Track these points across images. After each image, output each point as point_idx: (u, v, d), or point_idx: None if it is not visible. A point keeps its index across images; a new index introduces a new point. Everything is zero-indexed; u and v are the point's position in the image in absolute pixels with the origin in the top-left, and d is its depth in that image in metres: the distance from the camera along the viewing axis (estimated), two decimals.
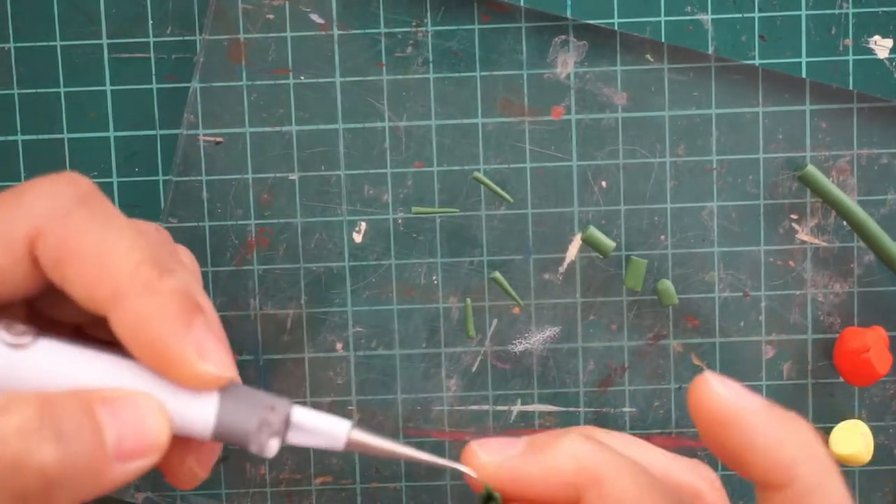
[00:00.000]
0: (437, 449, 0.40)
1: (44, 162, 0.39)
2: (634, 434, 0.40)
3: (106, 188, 0.40)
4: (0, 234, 0.27)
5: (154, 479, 0.40)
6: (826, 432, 0.40)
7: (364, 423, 0.40)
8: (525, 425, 0.40)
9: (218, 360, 0.27)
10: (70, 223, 0.27)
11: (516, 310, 0.40)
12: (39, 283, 0.28)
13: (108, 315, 0.27)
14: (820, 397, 0.40)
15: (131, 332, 0.27)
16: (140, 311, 0.27)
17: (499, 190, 0.36)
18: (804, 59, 0.38)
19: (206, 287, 0.40)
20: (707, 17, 0.38)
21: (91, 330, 0.31)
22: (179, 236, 0.39)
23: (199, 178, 0.39)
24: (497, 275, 0.39)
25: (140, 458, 0.27)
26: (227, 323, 0.40)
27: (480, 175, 0.36)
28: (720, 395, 0.26)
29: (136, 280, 0.27)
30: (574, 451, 0.27)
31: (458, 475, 0.40)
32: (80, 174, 0.29)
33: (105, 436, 0.26)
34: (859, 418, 0.40)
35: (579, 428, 0.31)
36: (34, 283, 0.28)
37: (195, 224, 0.39)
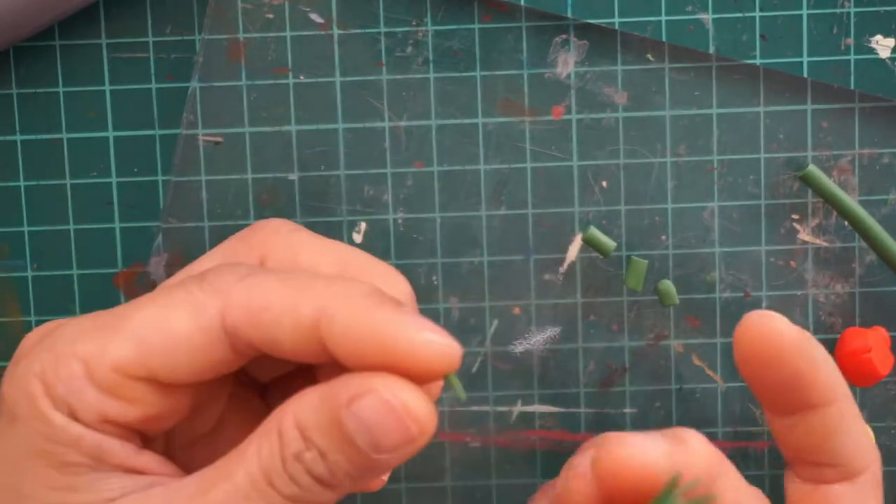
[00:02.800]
0: (437, 450, 0.40)
1: (43, 162, 0.39)
2: None
3: (105, 188, 0.40)
4: (195, 310, 0.28)
5: None
6: None
7: None
8: (525, 426, 0.40)
9: (438, 331, 0.27)
10: (250, 283, 0.28)
11: (516, 310, 0.40)
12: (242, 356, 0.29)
13: (322, 334, 0.27)
14: None
15: (343, 336, 0.27)
16: (347, 313, 0.27)
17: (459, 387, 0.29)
18: (805, 59, 0.38)
19: None
20: (708, 17, 0.38)
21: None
22: (179, 236, 0.39)
23: (198, 178, 0.39)
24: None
25: (406, 448, 0.27)
26: None
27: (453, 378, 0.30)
28: (787, 327, 0.29)
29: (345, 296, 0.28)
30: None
31: (458, 476, 0.40)
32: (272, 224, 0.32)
33: (356, 442, 0.27)
34: None
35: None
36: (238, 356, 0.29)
37: (195, 224, 0.39)
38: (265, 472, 0.27)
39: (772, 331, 0.29)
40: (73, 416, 0.28)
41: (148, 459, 0.29)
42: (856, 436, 0.30)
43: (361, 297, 0.27)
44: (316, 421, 0.27)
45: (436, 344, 0.27)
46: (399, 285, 0.32)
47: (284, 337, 0.28)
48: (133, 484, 0.28)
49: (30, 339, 0.30)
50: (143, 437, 0.29)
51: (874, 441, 0.31)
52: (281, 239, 0.32)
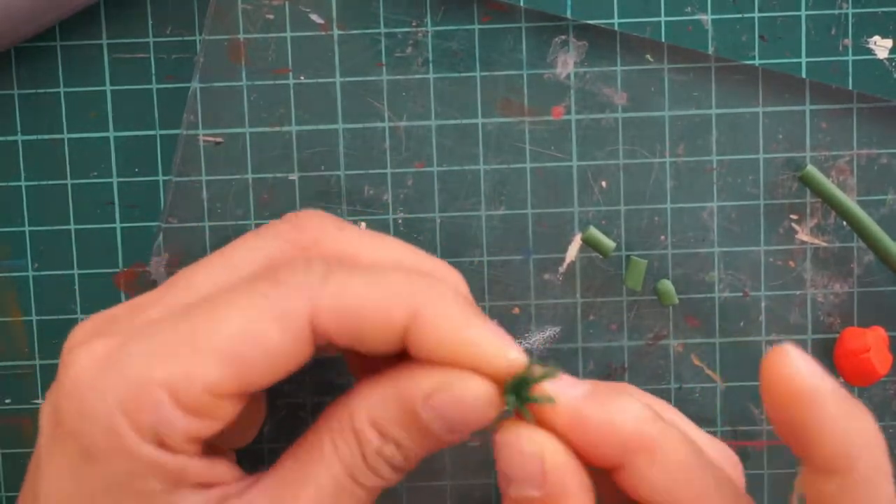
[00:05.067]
0: None
1: (44, 162, 0.39)
2: None
3: (106, 188, 0.40)
4: (283, 318, 0.28)
5: None
6: None
7: None
8: None
9: (509, 341, 0.29)
10: (337, 284, 0.29)
11: (516, 310, 0.40)
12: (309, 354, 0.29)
13: (410, 336, 0.28)
14: None
15: (432, 342, 0.28)
16: (439, 321, 0.28)
17: None
18: (804, 60, 0.39)
19: None
20: (707, 18, 0.38)
21: None
22: (179, 236, 0.39)
23: (199, 178, 0.39)
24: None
25: (469, 431, 0.29)
26: None
27: None
28: (801, 370, 0.26)
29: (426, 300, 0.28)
30: (636, 413, 0.28)
31: (458, 476, 0.40)
32: (306, 216, 0.32)
33: (433, 430, 0.28)
34: None
35: (622, 385, 0.32)
36: (307, 354, 0.29)
37: (195, 224, 0.39)
38: (349, 471, 0.28)
39: (784, 367, 0.26)
40: (161, 444, 0.27)
41: (221, 469, 0.29)
42: None
43: (452, 302, 0.28)
44: (392, 417, 0.28)
45: (516, 360, 0.28)
46: (457, 285, 0.32)
47: (372, 336, 0.28)
48: (205, 500, 0.28)
49: (80, 363, 0.28)
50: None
51: None
52: (331, 238, 0.32)
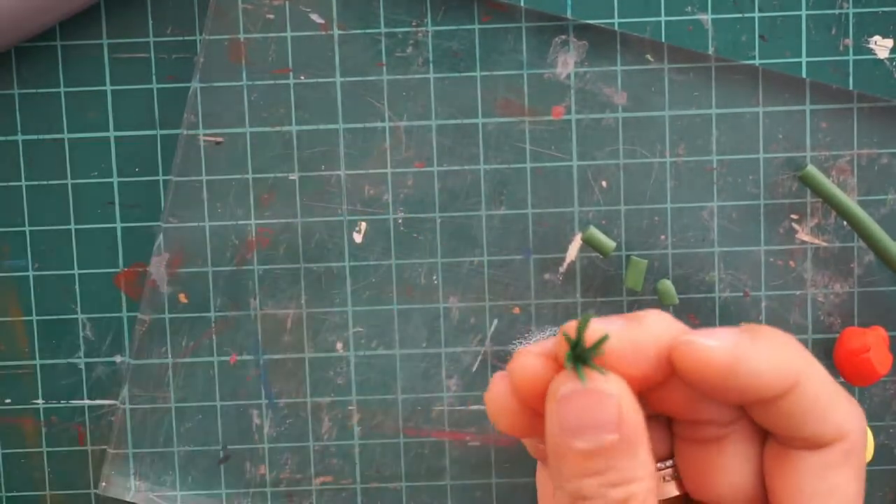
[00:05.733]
0: (437, 449, 0.40)
1: (44, 162, 0.40)
2: None
3: (106, 188, 0.40)
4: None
5: (154, 479, 0.40)
6: None
7: (364, 422, 0.40)
8: None
9: None
10: None
11: (516, 310, 0.40)
12: None
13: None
14: None
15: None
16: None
17: None
18: (804, 59, 0.39)
19: (206, 287, 0.40)
20: (707, 17, 0.38)
21: None
22: (180, 236, 0.39)
23: (199, 178, 0.39)
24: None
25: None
26: (227, 323, 0.40)
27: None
28: (711, 348, 0.27)
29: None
30: (788, 354, 0.28)
31: (458, 475, 0.40)
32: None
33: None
34: None
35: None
36: None
37: (195, 224, 0.39)
38: None
39: (697, 362, 0.27)
40: None
41: None
42: (821, 413, 0.28)
43: None
44: None
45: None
46: None
47: None
48: None
49: None
50: None
51: (854, 409, 0.29)
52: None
